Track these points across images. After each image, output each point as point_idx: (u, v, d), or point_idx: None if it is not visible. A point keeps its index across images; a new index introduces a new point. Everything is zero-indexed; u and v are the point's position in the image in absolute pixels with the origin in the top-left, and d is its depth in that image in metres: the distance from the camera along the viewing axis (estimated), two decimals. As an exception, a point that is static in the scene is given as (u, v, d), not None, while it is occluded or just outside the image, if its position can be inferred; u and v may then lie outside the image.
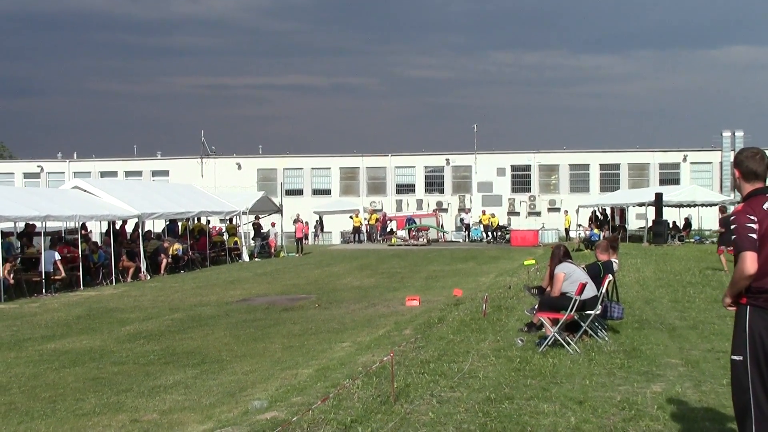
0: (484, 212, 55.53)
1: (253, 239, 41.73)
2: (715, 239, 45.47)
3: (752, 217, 5.47)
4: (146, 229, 32.41)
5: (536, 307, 11.94)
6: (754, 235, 5.42)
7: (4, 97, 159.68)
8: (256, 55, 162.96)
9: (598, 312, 11.45)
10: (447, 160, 66.75)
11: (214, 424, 8.31)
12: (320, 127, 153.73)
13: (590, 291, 11.31)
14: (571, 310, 10.96)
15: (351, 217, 55.36)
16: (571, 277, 11.49)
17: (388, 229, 54.39)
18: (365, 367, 9.92)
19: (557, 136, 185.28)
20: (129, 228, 33.49)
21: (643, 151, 65.92)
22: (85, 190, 29.93)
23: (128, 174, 68.29)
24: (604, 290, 11.60)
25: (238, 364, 12.24)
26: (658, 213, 40.42)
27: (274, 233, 43.11)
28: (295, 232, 44.60)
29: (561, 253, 12.06)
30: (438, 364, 10.07)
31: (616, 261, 12.88)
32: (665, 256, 26.75)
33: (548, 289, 12.14)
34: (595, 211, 51.05)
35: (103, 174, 67.05)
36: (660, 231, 39.25)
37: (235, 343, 14.19)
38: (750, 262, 5.39)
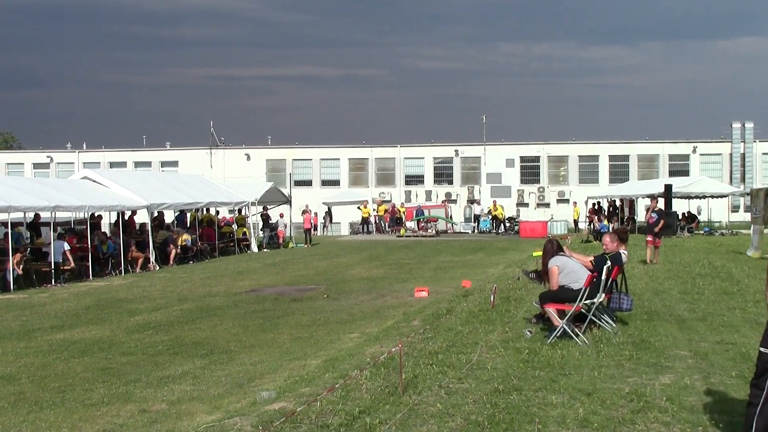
0: (494, 203, 55.48)
1: (261, 230, 41.77)
2: (724, 231, 45.47)
3: None
4: (156, 215, 32.43)
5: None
6: None
7: (14, 88, 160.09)
8: (265, 46, 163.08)
9: (601, 299, 11.44)
10: (456, 151, 66.62)
11: (222, 414, 8.32)
12: (329, 118, 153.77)
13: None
14: (579, 302, 10.96)
15: (359, 208, 55.40)
16: (566, 269, 11.50)
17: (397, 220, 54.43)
18: (373, 358, 9.92)
19: (566, 127, 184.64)
20: (142, 218, 33.48)
21: (652, 143, 65.67)
22: (94, 181, 30.02)
23: (137, 165, 68.39)
24: (609, 280, 11.56)
25: (246, 355, 12.26)
26: (668, 204, 40.32)
27: (283, 224, 43.14)
28: (303, 222, 44.66)
29: (553, 248, 12.04)
30: (446, 355, 10.06)
31: (625, 252, 12.84)
32: (674, 248, 26.70)
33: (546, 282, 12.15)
34: (594, 204, 50.92)
35: (112, 165, 67.21)
36: (669, 222, 39.11)
37: (243, 334, 14.21)
38: None
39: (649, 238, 23.49)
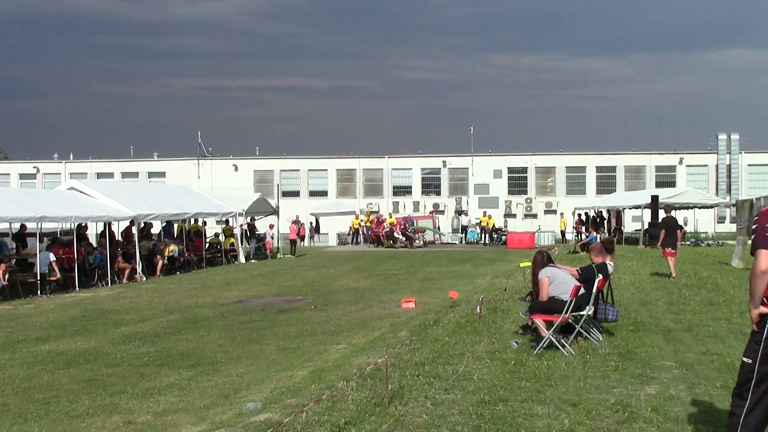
0: (484, 213, 55.68)
1: (248, 240, 41.73)
2: (710, 242, 45.66)
3: None
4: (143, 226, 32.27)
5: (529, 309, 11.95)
6: None
7: (1, 98, 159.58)
8: (254, 57, 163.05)
9: (590, 312, 11.47)
10: (444, 162, 66.78)
11: (208, 425, 8.30)
12: (318, 129, 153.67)
13: (580, 291, 11.33)
14: (566, 312, 10.98)
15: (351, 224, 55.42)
16: (556, 279, 11.53)
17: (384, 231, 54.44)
18: (360, 369, 9.92)
19: (554, 138, 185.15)
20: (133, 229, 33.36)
21: (639, 154, 66.00)
22: (81, 191, 29.90)
23: (125, 175, 68.28)
24: (596, 291, 11.61)
25: (233, 366, 12.23)
26: (654, 215, 40.45)
27: (271, 235, 43.10)
28: (289, 233, 44.63)
29: (543, 259, 12.09)
30: (433, 366, 10.07)
31: (611, 263, 12.87)
32: (661, 259, 26.72)
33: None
34: (580, 215, 51.11)
35: (99, 175, 67.02)
36: (656, 233, 39.17)
37: (230, 345, 14.17)
38: (764, 259, 5.59)
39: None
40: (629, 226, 51.66)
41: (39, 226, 25.60)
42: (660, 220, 23.76)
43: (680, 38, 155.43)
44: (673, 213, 24.08)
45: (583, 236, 43.85)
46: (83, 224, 28.63)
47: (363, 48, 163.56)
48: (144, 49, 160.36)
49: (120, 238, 31.95)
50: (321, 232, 60.42)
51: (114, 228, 31.45)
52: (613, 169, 65.48)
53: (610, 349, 10.97)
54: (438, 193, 66.86)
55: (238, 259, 37.20)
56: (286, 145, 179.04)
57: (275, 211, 43.58)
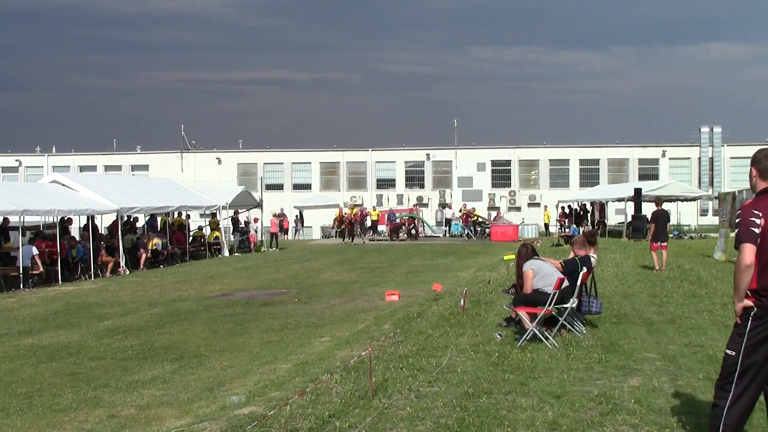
0: (465, 205, 55.70)
1: (232, 234, 41.64)
2: (693, 234, 45.88)
3: (757, 212, 5.71)
4: (127, 219, 32.14)
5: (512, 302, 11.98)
6: (756, 230, 5.67)
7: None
8: (238, 50, 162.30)
9: (573, 305, 11.51)
10: (427, 155, 66.83)
11: (192, 419, 8.28)
12: (301, 122, 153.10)
13: (564, 283, 11.36)
14: (549, 305, 11.00)
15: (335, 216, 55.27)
16: (540, 272, 11.56)
17: (368, 224, 54.41)
18: (343, 362, 9.92)
19: (537, 131, 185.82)
20: (108, 223, 33.22)
21: (622, 147, 66.24)
22: (63, 185, 29.74)
23: (108, 168, 67.96)
24: (580, 284, 11.64)
25: (216, 359, 12.21)
26: (638, 208, 40.63)
27: (254, 228, 43.03)
28: (270, 226, 44.56)
29: (528, 251, 12.12)
30: (416, 358, 10.07)
31: (594, 256, 12.93)
32: (644, 251, 26.89)
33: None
34: (564, 207, 51.22)
35: (82, 168, 66.65)
36: (639, 226, 39.37)
37: (214, 338, 14.14)
38: (748, 253, 5.65)
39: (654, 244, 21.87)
40: (613, 219, 51.81)
41: (21, 220, 25.42)
42: (651, 213, 23.54)
43: (663, 32, 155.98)
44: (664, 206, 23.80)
45: (566, 229, 44.02)
46: (66, 218, 28.51)
47: (346, 41, 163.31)
48: (126, 42, 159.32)
49: (104, 232, 31.86)
50: (305, 225, 60.33)
51: (97, 221, 31.31)
52: (596, 162, 65.72)
53: (593, 342, 11.02)
54: (422, 186, 66.92)
55: (222, 252, 37.13)
56: (269, 138, 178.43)
57: (258, 205, 43.50)
